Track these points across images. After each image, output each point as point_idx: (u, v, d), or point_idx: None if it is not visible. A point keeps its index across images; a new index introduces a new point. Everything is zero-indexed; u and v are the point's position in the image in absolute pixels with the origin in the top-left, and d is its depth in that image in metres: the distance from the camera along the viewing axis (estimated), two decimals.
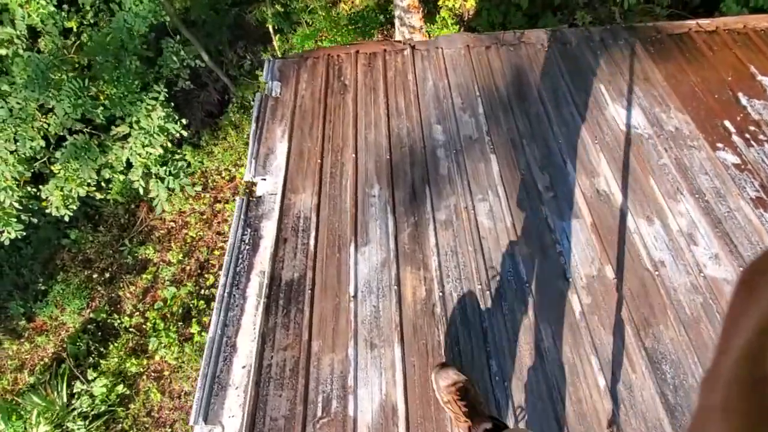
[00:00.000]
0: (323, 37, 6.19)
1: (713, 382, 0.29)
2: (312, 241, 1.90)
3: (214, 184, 6.56)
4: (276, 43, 6.52)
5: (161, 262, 6.36)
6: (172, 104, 3.02)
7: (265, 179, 2.14)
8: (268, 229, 1.96)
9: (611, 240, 1.89)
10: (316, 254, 1.87)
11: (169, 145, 3.11)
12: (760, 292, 0.29)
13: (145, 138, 2.84)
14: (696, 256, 1.85)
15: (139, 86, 3.36)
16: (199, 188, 6.56)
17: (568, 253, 1.85)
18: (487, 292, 1.75)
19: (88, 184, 3.02)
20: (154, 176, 3.01)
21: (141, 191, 3.21)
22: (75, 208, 2.96)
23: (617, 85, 2.48)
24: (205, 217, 6.48)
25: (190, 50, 3.65)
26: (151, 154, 2.87)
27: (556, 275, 1.80)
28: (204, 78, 7.34)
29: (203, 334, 5.59)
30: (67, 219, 3.04)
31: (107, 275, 6.41)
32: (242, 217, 1.98)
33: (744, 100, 2.37)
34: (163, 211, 3.17)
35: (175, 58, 3.53)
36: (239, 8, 7.37)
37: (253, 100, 7.02)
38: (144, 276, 6.28)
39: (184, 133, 3.25)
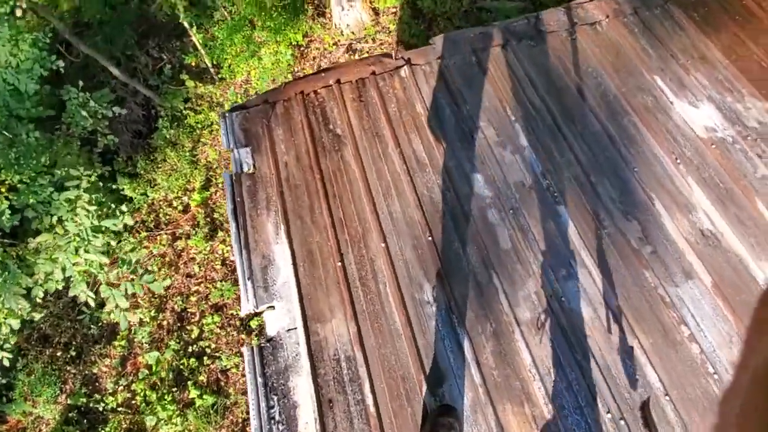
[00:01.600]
0: (253, 26, 5.23)
1: (733, 396, 0.31)
2: (369, 396, 1.37)
3: (167, 218, 5.68)
4: (196, 38, 5.48)
5: (132, 324, 5.57)
6: (102, 183, 2.25)
7: (273, 307, 1.54)
8: (302, 390, 1.40)
9: (742, 301, 1.49)
10: (380, 416, 1.35)
11: (113, 243, 2.35)
12: None
13: (78, 243, 2.08)
14: None
15: (49, 161, 2.51)
16: (151, 226, 5.67)
17: (700, 335, 1.44)
18: (621, 421, 1.32)
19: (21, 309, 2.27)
20: (104, 283, 2.29)
21: (92, 303, 2.47)
22: (11, 345, 2.22)
23: (673, 73, 2.00)
24: (167, 259, 5.66)
25: (103, 96, 2.76)
26: (92, 261, 2.13)
27: (695, 371, 1.39)
28: (120, 93, 6.21)
29: (205, 396, 4.99)
30: (7, 363, 2.30)
31: (72, 351, 5.56)
32: (259, 379, 1.40)
33: None
34: (128, 322, 2.47)
35: (84, 112, 2.65)
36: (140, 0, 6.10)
37: (184, 108, 5.99)
38: (116, 343, 5.47)
39: (129, 221, 2.48)
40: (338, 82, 2.04)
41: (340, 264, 1.60)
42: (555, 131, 1.86)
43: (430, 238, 1.64)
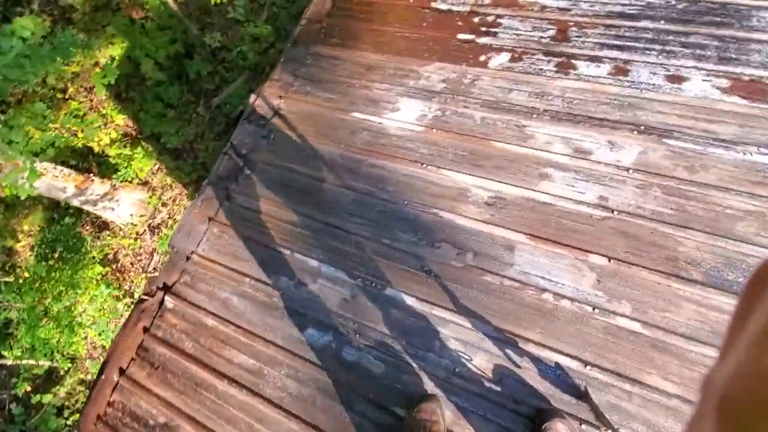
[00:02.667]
0: (44, 302, 4.56)
1: (712, 383, 0.27)
2: None
3: None
4: (13, 359, 4.66)
5: None
6: None
7: None
8: None
9: (556, 230, 1.57)
10: None
11: None
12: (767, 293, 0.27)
13: None
14: (607, 163, 1.65)
15: None
16: None
17: (558, 288, 1.47)
18: (583, 425, 1.28)
19: None
20: None
21: None
22: None
23: (361, 98, 2.08)
24: None
25: None
26: None
27: (583, 322, 1.41)
28: None
29: None
30: None
31: None
32: None
33: (442, 5, 2.20)
34: None
35: None
36: None
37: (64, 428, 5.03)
38: None
39: None
40: (122, 372, 1.74)
41: None
42: (327, 229, 1.80)
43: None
